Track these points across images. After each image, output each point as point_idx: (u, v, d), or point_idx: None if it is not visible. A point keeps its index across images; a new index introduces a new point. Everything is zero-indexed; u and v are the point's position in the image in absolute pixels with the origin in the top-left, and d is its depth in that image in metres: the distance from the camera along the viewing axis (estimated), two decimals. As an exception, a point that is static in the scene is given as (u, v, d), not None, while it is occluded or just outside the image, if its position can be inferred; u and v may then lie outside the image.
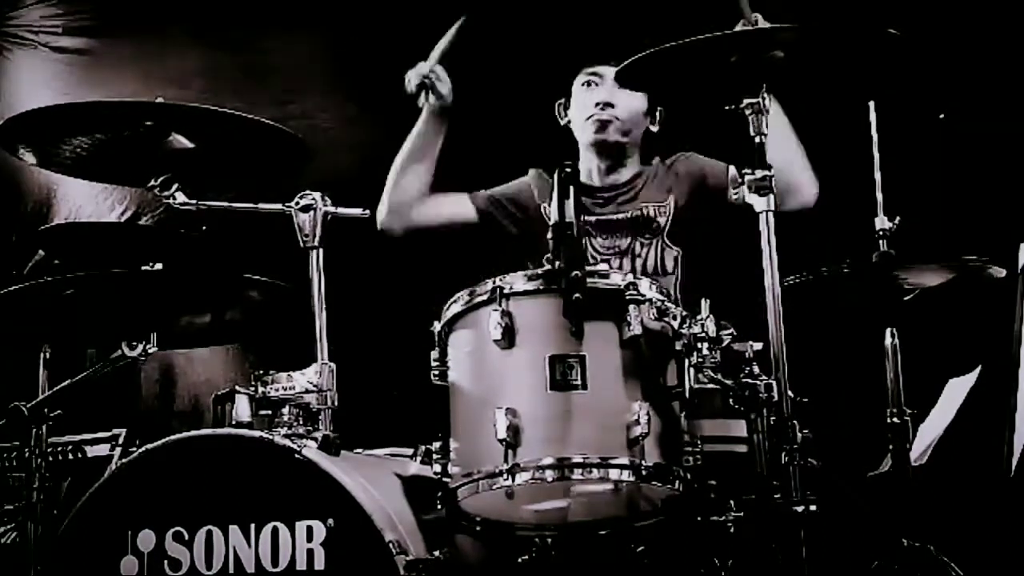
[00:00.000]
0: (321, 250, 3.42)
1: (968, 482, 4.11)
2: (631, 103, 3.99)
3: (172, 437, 3.18)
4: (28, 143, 3.42)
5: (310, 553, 2.99)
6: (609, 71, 3.94)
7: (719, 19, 3.26)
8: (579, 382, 2.84)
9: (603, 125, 4.00)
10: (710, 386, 2.94)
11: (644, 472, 2.83)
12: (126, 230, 4.65)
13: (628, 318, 2.88)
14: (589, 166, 4.07)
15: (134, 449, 3.57)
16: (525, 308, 2.91)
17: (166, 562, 3.08)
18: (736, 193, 3.00)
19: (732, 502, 3.05)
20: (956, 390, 3.97)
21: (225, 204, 3.50)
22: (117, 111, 3.35)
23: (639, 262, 3.94)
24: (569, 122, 4.11)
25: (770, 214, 2.93)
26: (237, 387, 3.34)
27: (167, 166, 3.40)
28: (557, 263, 2.88)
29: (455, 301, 3.02)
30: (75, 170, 3.64)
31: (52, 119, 3.36)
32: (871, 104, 3.70)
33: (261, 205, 3.49)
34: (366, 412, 3.66)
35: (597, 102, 4.00)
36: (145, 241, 3.90)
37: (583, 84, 4.06)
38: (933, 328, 4.05)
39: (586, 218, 3.91)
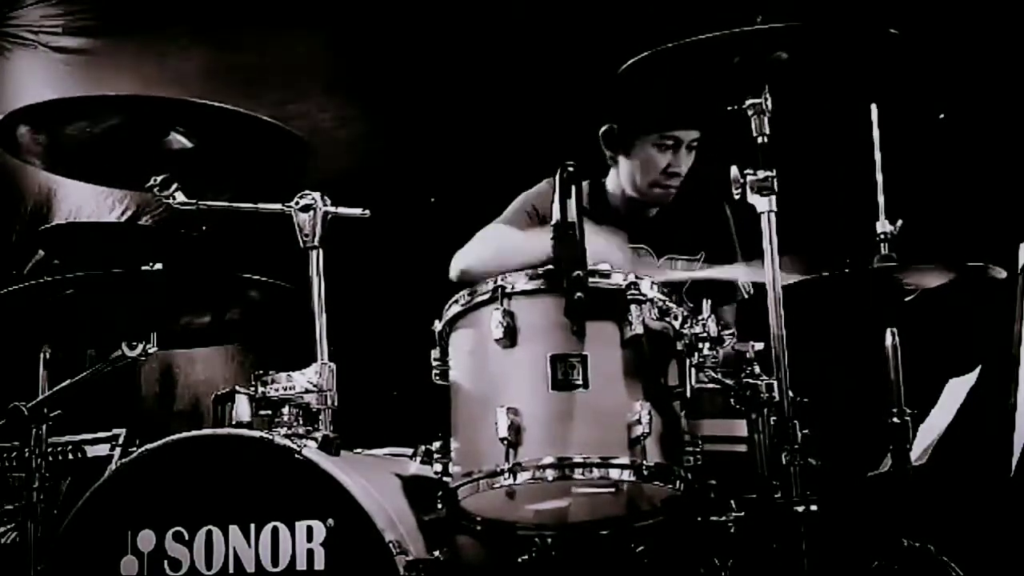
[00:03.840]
0: (321, 250, 3.42)
1: (968, 482, 4.11)
2: (689, 163, 4.01)
3: (172, 437, 3.18)
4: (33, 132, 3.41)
5: (310, 553, 2.99)
6: (686, 135, 3.94)
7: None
8: (580, 382, 2.84)
9: (666, 193, 4.02)
10: (711, 386, 2.94)
11: (645, 472, 2.83)
12: (126, 230, 4.65)
13: (629, 318, 2.87)
14: (621, 201, 4.08)
15: (134, 449, 3.56)
16: (527, 307, 2.91)
17: (166, 562, 3.08)
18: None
19: (732, 502, 3.06)
20: (956, 390, 3.97)
21: (225, 204, 3.49)
22: (113, 105, 3.34)
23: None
24: (615, 158, 4.06)
25: (772, 214, 2.93)
26: (237, 387, 3.34)
27: (167, 166, 3.40)
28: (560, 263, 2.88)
29: (456, 300, 3.02)
30: (75, 170, 3.65)
31: (52, 113, 3.35)
32: (873, 106, 3.70)
33: (261, 205, 3.49)
34: (366, 412, 3.66)
35: (670, 170, 3.98)
36: (145, 241, 3.90)
37: (656, 146, 3.98)
38: (933, 328, 4.05)
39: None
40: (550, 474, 2.83)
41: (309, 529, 3.00)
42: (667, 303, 2.93)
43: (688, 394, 2.92)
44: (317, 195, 3.44)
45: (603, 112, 4.09)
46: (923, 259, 3.56)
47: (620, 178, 4.07)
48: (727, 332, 2.95)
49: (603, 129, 4.08)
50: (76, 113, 3.34)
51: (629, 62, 3.02)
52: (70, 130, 3.34)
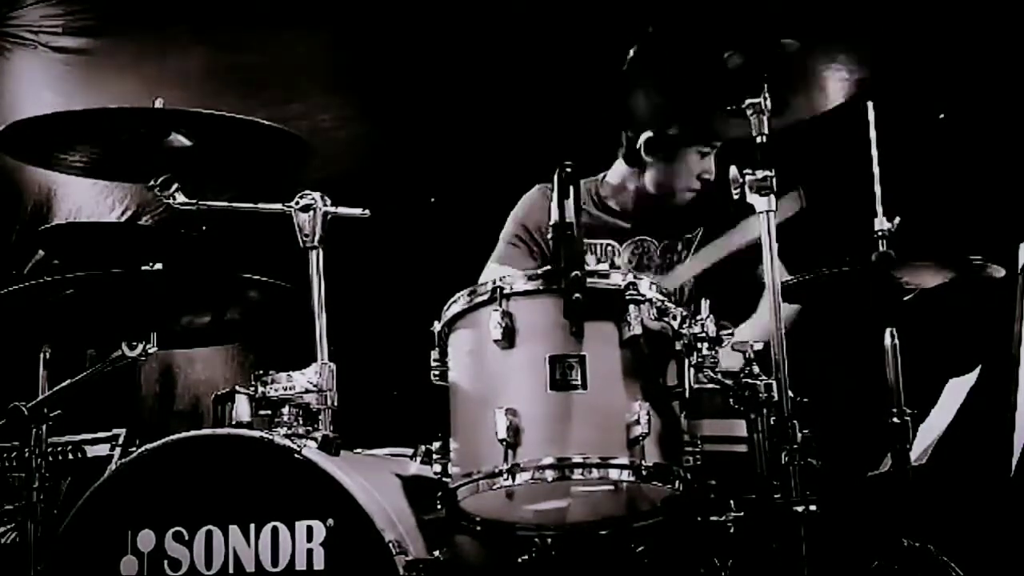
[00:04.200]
0: (321, 250, 3.42)
1: (968, 482, 4.11)
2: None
3: (172, 437, 3.18)
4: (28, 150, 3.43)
5: (310, 553, 2.99)
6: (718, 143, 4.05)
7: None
8: (579, 382, 2.84)
9: (695, 195, 4.11)
10: (710, 386, 2.94)
11: (644, 472, 2.83)
12: (126, 230, 4.64)
13: (628, 318, 2.87)
14: (631, 195, 4.13)
15: (134, 449, 3.56)
16: (525, 308, 2.91)
17: (166, 562, 3.08)
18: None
19: (732, 502, 3.06)
20: (956, 390, 3.97)
21: (225, 204, 3.50)
22: (115, 117, 3.35)
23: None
24: (642, 157, 4.12)
25: (770, 214, 2.93)
26: (237, 387, 3.34)
27: (167, 166, 3.40)
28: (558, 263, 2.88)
29: (455, 301, 3.02)
30: (75, 170, 3.65)
31: (51, 127, 3.35)
32: (870, 104, 3.70)
33: (261, 205, 3.49)
34: (366, 412, 3.66)
35: (703, 176, 4.09)
36: (145, 241, 3.89)
37: (700, 153, 4.08)
38: (933, 328, 4.05)
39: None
40: (549, 475, 2.83)
41: (309, 529, 3.00)
42: (666, 303, 2.93)
43: (687, 394, 2.92)
44: (317, 195, 3.44)
45: (615, 115, 4.12)
46: (922, 258, 3.56)
47: (646, 181, 4.13)
48: (725, 332, 2.94)
49: (646, 137, 4.11)
50: (77, 126, 3.34)
51: (630, 55, 3.02)
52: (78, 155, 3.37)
